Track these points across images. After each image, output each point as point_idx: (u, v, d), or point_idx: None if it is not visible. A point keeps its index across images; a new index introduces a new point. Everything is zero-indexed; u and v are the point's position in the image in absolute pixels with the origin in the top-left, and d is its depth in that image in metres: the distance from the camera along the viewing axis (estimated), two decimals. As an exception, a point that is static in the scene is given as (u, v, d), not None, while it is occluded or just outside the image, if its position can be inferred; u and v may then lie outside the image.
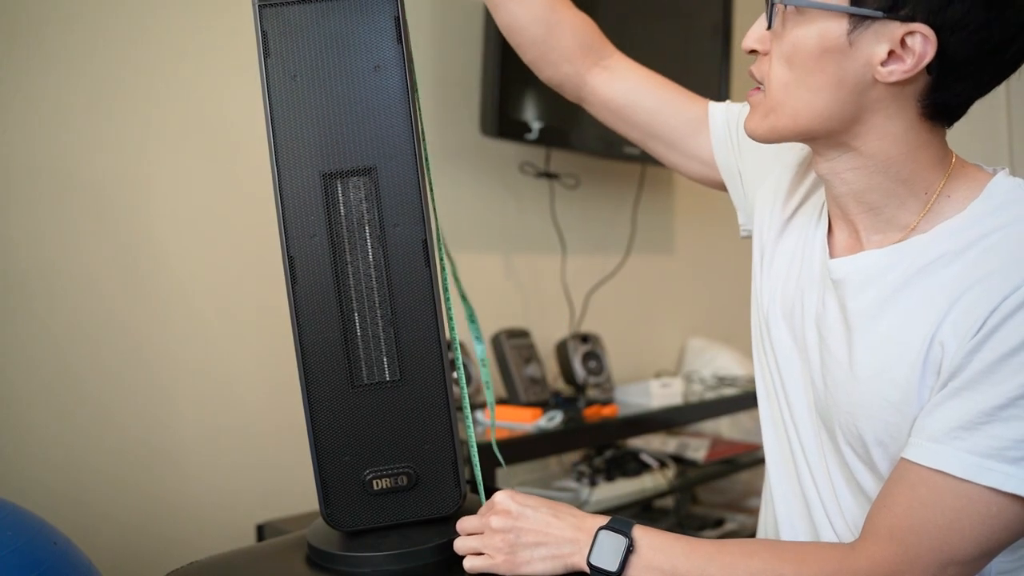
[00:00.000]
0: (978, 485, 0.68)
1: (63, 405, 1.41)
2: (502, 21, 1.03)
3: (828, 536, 0.85)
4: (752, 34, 0.80)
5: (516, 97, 1.90)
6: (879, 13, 0.71)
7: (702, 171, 1.05)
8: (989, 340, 0.69)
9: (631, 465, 1.98)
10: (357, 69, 0.76)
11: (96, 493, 1.44)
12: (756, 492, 2.31)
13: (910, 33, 0.71)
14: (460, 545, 0.80)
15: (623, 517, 0.79)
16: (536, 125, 1.94)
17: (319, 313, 0.77)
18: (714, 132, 1.02)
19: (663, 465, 2.00)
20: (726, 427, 2.34)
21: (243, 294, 1.62)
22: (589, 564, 0.77)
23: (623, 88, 1.04)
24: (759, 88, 0.81)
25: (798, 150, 0.96)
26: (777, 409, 0.92)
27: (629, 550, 0.76)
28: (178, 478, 1.53)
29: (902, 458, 0.73)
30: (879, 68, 0.73)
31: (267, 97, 0.75)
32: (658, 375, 2.26)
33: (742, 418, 2.29)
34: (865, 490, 0.81)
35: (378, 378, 0.78)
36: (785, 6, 0.76)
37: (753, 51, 0.81)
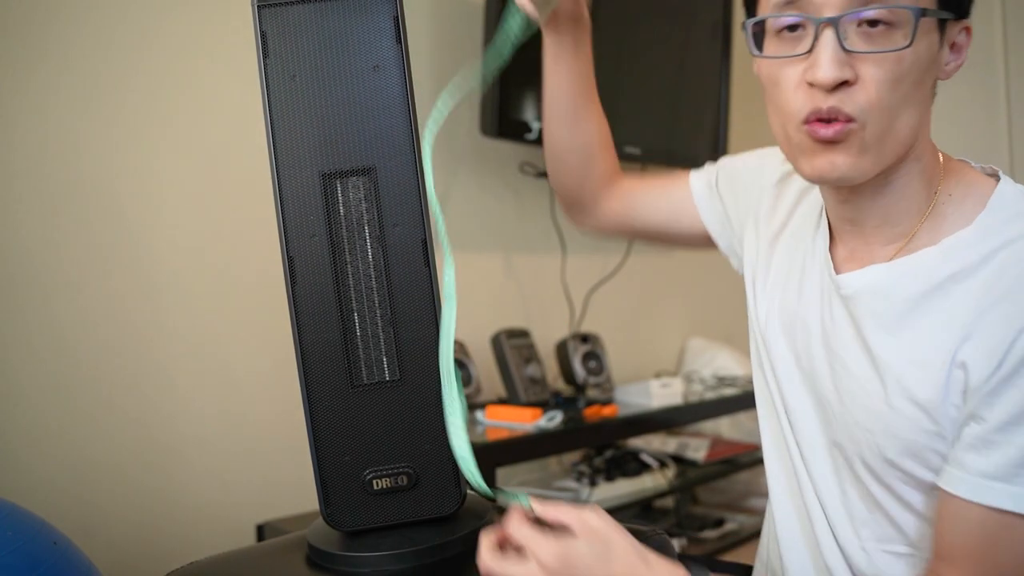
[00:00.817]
0: None
1: (63, 405, 1.41)
2: (549, 140, 1.08)
3: (830, 550, 0.84)
4: (833, 66, 0.69)
5: (516, 97, 1.90)
6: (952, 16, 0.73)
7: (703, 238, 1.08)
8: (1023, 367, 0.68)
9: (631, 465, 1.98)
10: (356, 69, 0.76)
11: (96, 493, 1.44)
12: (756, 492, 2.31)
13: (961, 30, 0.75)
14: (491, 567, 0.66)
15: (699, 568, 0.71)
16: (536, 125, 1.94)
17: (319, 313, 0.77)
18: (697, 198, 1.05)
19: (663, 465, 2.00)
20: (726, 427, 2.34)
21: (243, 294, 1.62)
22: None
23: (625, 206, 1.10)
24: (842, 123, 0.71)
25: (773, 169, 0.97)
26: (778, 425, 0.90)
27: None
28: (178, 478, 1.53)
29: (961, 499, 0.71)
30: (946, 68, 0.74)
31: (266, 97, 0.75)
32: (658, 375, 2.26)
33: (742, 418, 2.29)
34: (881, 503, 0.80)
35: (378, 378, 0.78)
36: (874, 24, 0.69)
37: (843, 83, 0.70)
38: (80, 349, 1.43)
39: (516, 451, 1.68)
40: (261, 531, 1.61)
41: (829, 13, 0.69)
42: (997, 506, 0.69)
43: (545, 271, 2.19)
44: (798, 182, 0.94)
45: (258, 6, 0.75)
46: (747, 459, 2.16)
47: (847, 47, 0.69)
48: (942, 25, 0.72)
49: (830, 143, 0.72)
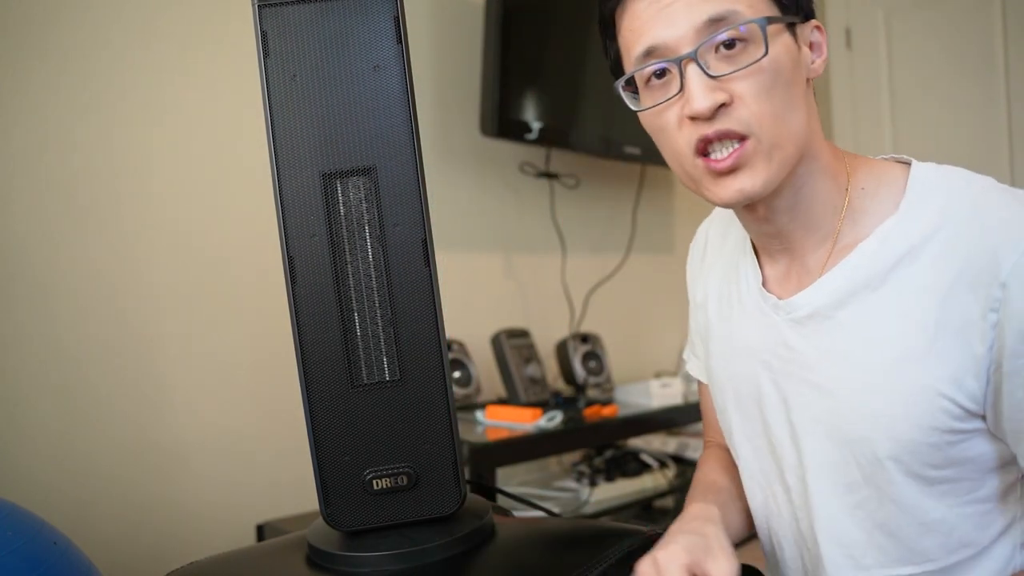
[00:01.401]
0: None
1: (63, 406, 1.41)
2: None
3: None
4: (705, 95, 0.72)
5: (516, 97, 1.90)
6: (799, 19, 0.77)
7: None
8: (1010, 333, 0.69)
9: (631, 465, 1.98)
10: (356, 69, 0.76)
11: (96, 493, 1.44)
12: (756, 492, 2.30)
13: (813, 29, 0.78)
14: None
15: None
16: (536, 125, 1.94)
17: (319, 313, 0.77)
18: (698, 373, 1.03)
19: (663, 465, 2.00)
20: (726, 427, 2.33)
21: (243, 294, 1.62)
22: None
23: None
24: (739, 144, 0.73)
25: (696, 243, 1.02)
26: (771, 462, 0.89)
27: None
28: (178, 478, 1.53)
29: None
30: (812, 67, 0.78)
31: (267, 97, 0.75)
32: (658, 375, 2.26)
33: (742, 418, 2.29)
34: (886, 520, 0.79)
35: (378, 378, 0.78)
36: (731, 45, 0.72)
37: (721, 106, 0.73)
38: (80, 350, 1.43)
39: (516, 451, 1.68)
40: (261, 531, 1.61)
41: (686, 49, 0.73)
42: None
43: (545, 271, 2.19)
44: (714, 234, 0.98)
45: (258, 6, 0.75)
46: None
47: (712, 74, 0.72)
48: (792, 29, 0.76)
49: (731, 171, 0.74)
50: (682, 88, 0.73)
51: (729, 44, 0.72)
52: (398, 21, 0.76)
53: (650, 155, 2.21)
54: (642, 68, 0.76)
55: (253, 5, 0.75)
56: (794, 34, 0.76)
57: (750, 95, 0.73)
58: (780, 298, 0.83)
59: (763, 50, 0.72)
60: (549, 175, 2.15)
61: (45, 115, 1.41)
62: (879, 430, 0.76)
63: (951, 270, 0.72)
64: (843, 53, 2.93)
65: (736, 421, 0.90)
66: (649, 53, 0.75)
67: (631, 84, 0.79)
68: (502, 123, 1.88)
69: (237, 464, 1.61)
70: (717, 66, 0.73)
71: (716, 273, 0.94)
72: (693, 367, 1.05)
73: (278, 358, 1.60)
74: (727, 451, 1.01)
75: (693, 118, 0.73)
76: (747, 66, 0.72)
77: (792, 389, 0.82)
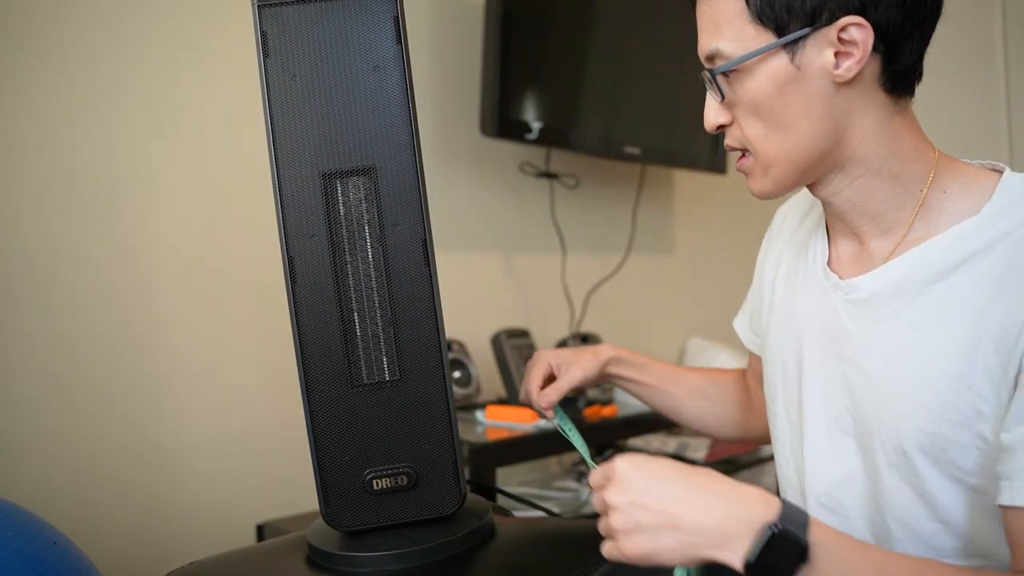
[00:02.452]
0: None
1: (63, 405, 1.41)
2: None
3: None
4: (710, 114, 0.83)
5: (516, 97, 1.90)
6: (807, 30, 0.75)
7: None
8: None
9: (631, 465, 1.98)
10: (356, 69, 0.76)
11: (96, 493, 1.44)
12: (756, 492, 2.30)
13: (843, 29, 0.74)
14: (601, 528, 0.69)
15: (793, 504, 0.64)
16: (536, 125, 1.94)
17: (319, 313, 0.77)
18: (749, 344, 1.09)
19: (663, 465, 1.99)
20: (726, 427, 2.33)
21: (243, 294, 1.62)
22: (748, 570, 0.62)
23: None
24: (744, 155, 0.83)
25: (776, 223, 1.04)
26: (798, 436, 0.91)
27: (803, 559, 0.62)
28: (178, 478, 1.53)
29: None
30: (835, 72, 0.76)
31: (266, 97, 0.75)
32: (658, 375, 2.26)
33: (742, 418, 2.29)
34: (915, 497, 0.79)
35: (378, 378, 0.78)
36: (726, 74, 0.79)
37: (720, 127, 0.83)
38: (80, 349, 1.43)
39: (516, 451, 1.68)
40: (261, 531, 1.61)
41: (708, 67, 0.81)
42: None
43: (545, 271, 2.19)
44: (792, 215, 1.01)
45: (258, 6, 0.75)
46: (747, 459, 2.16)
47: (725, 94, 0.81)
48: (793, 46, 0.76)
49: (747, 171, 0.84)
50: None
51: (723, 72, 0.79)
52: (398, 21, 0.76)
53: (650, 155, 2.21)
54: (703, 71, 0.83)
55: (253, 5, 0.75)
56: (796, 49, 0.76)
57: (742, 120, 0.81)
58: (842, 278, 0.85)
59: (735, 91, 0.79)
60: (549, 175, 2.15)
61: (45, 115, 1.41)
62: (909, 419, 0.77)
63: (1005, 275, 0.72)
64: (843, 53, 2.93)
65: (780, 392, 0.93)
66: (707, 58, 0.83)
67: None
68: (502, 123, 1.88)
69: (237, 464, 1.61)
70: (723, 90, 0.81)
71: (791, 248, 0.97)
72: (740, 326, 1.11)
73: (278, 358, 1.60)
74: (734, 378, 1.15)
75: None
76: (722, 101, 0.81)
77: (835, 367, 0.84)
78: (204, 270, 1.58)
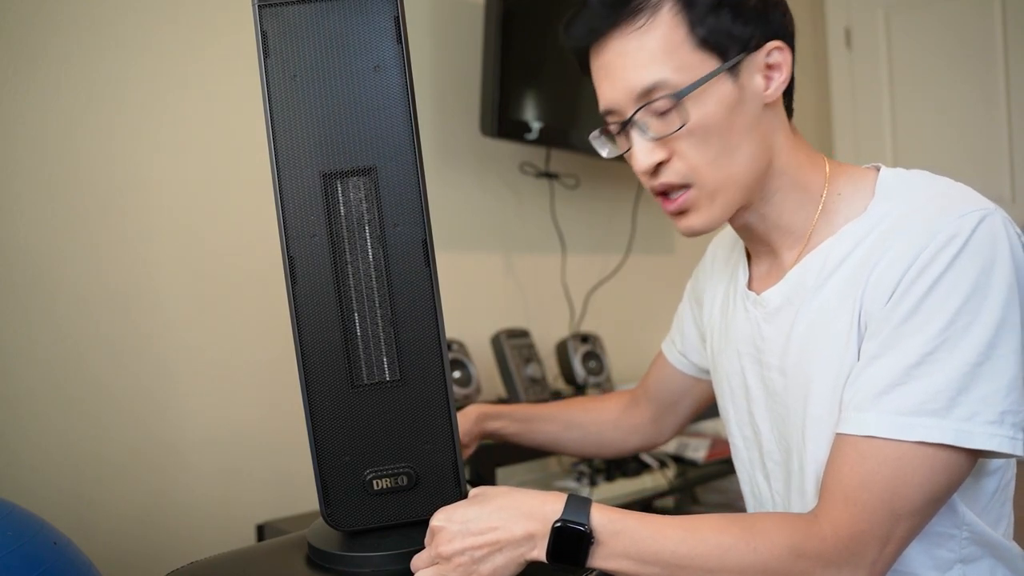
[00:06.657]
0: (908, 442, 0.72)
1: (63, 405, 1.41)
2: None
3: None
4: (642, 156, 0.82)
5: (516, 97, 1.90)
6: (743, 55, 0.80)
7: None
8: (900, 302, 0.74)
9: (631, 465, 1.98)
10: (357, 69, 0.76)
11: (96, 493, 1.44)
12: (756, 492, 2.30)
13: (769, 53, 0.81)
14: None
15: (579, 496, 0.75)
16: (536, 125, 1.94)
17: (319, 313, 0.77)
18: (672, 358, 1.16)
19: (663, 465, 2.00)
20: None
21: (243, 294, 1.62)
22: (551, 562, 0.73)
23: (657, 423, 1.20)
24: (684, 190, 0.83)
25: (708, 253, 1.11)
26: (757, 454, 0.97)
27: (589, 542, 0.73)
28: (178, 478, 1.53)
29: (837, 433, 0.76)
30: (766, 94, 0.82)
31: (267, 97, 0.75)
32: (658, 375, 2.26)
33: (742, 418, 2.29)
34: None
35: (378, 378, 0.78)
36: (678, 99, 0.79)
37: (657, 167, 0.83)
38: (80, 349, 1.43)
39: (516, 451, 1.67)
40: (261, 531, 1.61)
41: (629, 112, 0.82)
42: (865, 434, 0.73)
43: (545, 271, 2.19)
44: (721, 250, 1.08)
45: (259, 6, 0.75)
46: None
47: (652, 135, 0.81)
48: (735, 69, 0.80)
49: (681, 212, 0.84)
50: (631, 146, 0.83)
51: (662, 111, 0.80)
52: (398, 21, 0.76)
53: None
54: (607, 125, 0.86)
55: (253, 5, 0.75)
56: (736, 73, 0.80)
57: (686, 150, 0.81)
58: (759, 294, 0.90)
59: (682, 121, 0.79)
60: (549, 175, 2.15)
61: (45, 115, 1.41)
62: (814, 423, 0.82)
63: (873, 255, 0.78)
64: (843, 53, 2.93)
65: (732, 413, 0.98)
66: (607, 112, 0.84)
67: (602, 134, 0.90)
68: (502, 123, 1.88)
69: (237, 464, 1.61)
70: (657, 127, 0.81)
71: (724, 279, 1.02)
72: (668, 349, 1.18)
73: (278, 358, 1.60)
74: (610, 402, 1.21)
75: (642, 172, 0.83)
76: (676, 131, 0.80)
77: (769, 377, 0.89)
78: (204, 270, 1.58)
